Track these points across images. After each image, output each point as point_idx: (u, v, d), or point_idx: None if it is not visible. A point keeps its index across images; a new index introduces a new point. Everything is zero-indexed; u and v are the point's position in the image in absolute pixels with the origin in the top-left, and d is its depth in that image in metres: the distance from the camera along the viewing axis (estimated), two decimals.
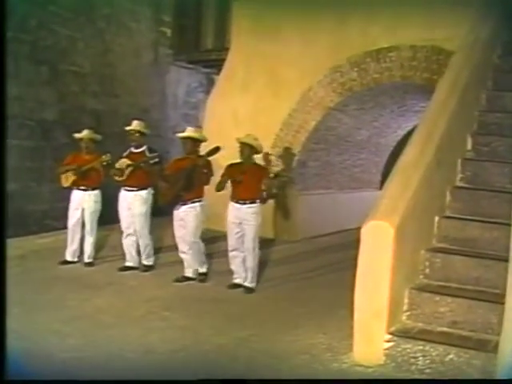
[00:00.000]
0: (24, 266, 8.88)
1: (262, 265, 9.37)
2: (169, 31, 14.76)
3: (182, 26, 14.97)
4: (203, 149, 8.28)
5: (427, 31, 10.18)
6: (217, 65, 14.05)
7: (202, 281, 8.52)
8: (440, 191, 6.62)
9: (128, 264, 8.97)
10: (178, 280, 8.40)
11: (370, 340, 5.47)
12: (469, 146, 7.39)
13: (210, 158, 8.04)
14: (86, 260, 9.18)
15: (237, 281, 8.24)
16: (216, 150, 7.97)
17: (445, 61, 9.90)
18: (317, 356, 5.74)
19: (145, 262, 9.05)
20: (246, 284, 8.14)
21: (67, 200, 9.16)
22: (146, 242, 8.97)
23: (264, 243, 10.78)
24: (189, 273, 8.52)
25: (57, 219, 9.08)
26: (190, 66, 15.12)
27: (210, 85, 15.34)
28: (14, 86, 10.98)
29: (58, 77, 11.94)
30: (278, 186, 8.64)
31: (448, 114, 6.66)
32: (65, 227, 9.27)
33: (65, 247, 9.21)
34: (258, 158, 8.57)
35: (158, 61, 14.41)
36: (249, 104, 12.20)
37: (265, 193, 8.03)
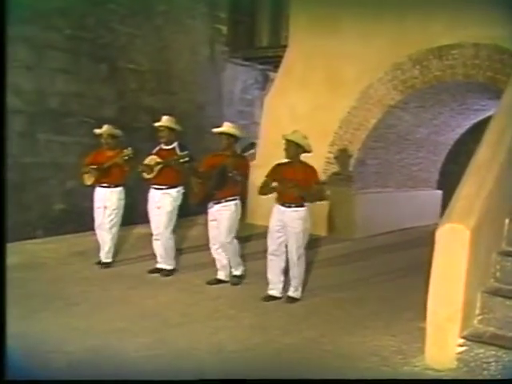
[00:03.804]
0: (85, 262, 8.97)
1: (323, 263, 9.36)
2: (224, 28, 14.78)
3: (237, 22, 15.00)
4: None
5: (490, 30, 9.98)
6: (272, 62, 14.10)
7: (235, 284, 8.14)
8: (510, 193, 6.49)
9: (159, 266, 8.62)
10: (209, 283, 8.10)
11: (443, 344, 5.38)
12: None
13: (247, 155, 7.81)
14: (104, 260, 8.87)
15: (272, 292, 7.54)
16: (251, 146, 7.86)
17: (508, 60, 9.80)
18: (387, 358, 5.67)
19: (163, 265, 8.60)
20: (290, 293, 7.50)
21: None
22: (164, 242, 8.50)
23: (320, 241, 10.82)
24: (221, 275, 8.19)
25: None
26: (246, 62, 15.14)
27: (265, 82, 15.40)
28: (74, 83, 11.16)
29: (117, 74, 12.07)
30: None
31: None
32: (123, 224, 9.11)
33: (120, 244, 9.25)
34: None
35: (214, 58, 14.44)
36: (307, 101, 12.17)
37: (315, 195, 7.31)
